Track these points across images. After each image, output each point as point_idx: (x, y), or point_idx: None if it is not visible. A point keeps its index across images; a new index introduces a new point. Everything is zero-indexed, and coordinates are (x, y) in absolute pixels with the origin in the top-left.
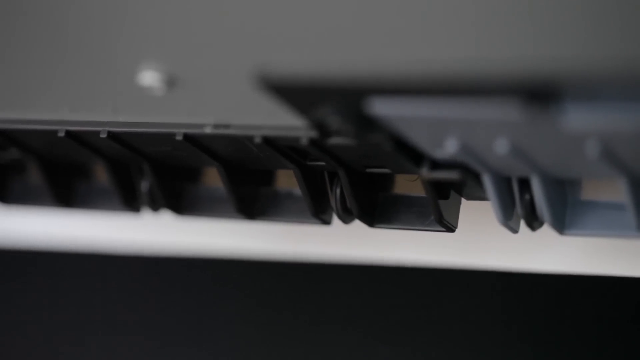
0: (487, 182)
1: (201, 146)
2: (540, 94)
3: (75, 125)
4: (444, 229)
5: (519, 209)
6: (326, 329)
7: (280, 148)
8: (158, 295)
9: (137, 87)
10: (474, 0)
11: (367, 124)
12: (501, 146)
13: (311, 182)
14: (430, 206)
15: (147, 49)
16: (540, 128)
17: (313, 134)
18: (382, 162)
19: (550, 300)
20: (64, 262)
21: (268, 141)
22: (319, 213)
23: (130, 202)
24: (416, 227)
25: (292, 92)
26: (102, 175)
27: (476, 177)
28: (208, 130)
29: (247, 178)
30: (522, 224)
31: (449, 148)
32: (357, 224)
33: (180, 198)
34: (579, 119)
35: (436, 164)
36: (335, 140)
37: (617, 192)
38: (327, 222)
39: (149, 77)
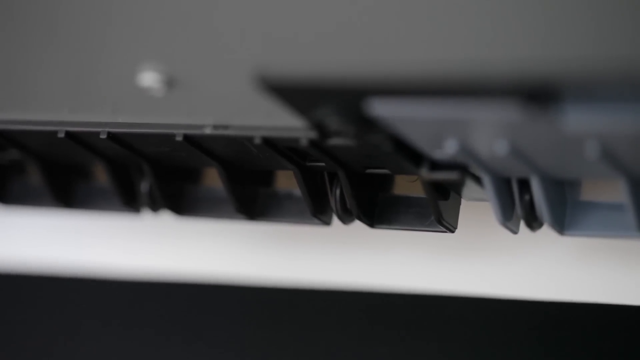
0: (487, 182)
1: (201, 147)
2: (539, 95)
3: (75, 126)
4: (443, 230)
5: (518, 209)
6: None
7: (280, 149)
8: (150, 320)
9: (136, 88)
10: (473, 1)
11: (367, 125)
12: (501, 147)
13: (311, 182)
14: (429, 207)
15: (147, 50)
16: (540, 129)
17: (313, 134)
18: (381, 162)
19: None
20: (53, 287)
21: (268, 142)
22: (319, 214)
23: (130, 202)
24: (416, 228)
25: (292, 93)
26: (102, 176)
27: (476, 178)
28: (208, 131)
29: (246, 179)
30: (522, 224)
31: (449, 149)
32: (357, 225)
33: (180, 199)
34: (578, 120)
35: (436, 165)
36: (335, 141)
37: (617, 192)
38: (326, 222)
39: (149, 78)
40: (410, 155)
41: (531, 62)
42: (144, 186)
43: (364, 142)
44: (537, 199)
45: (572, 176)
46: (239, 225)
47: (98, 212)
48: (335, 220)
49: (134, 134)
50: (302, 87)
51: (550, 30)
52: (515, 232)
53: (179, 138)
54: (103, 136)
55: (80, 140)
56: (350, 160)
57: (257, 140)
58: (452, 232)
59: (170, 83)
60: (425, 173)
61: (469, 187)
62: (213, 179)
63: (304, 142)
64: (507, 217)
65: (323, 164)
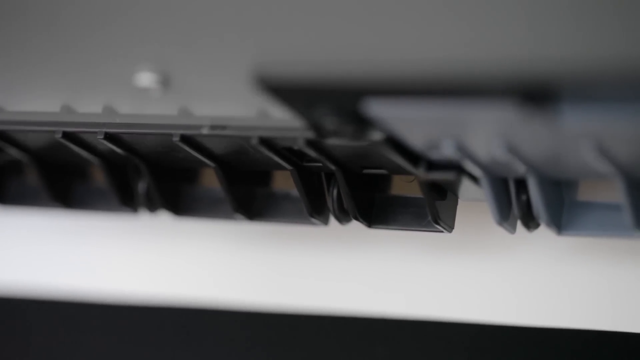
0: (484, 183)
1: (198, 147)
2: (536, 95)
3: (72, 126)
4: (440, 230)
5: (515, 209)
6: None
7: (277, 149)
8: (145, 346)
9: (133, 89)
10: (469, 1)
11: (364, 125)
12: (497, 147)
13: (308, 183)
14: (427, 207)
15: (144, 51)
16: (537, 129)
17: (310, 134)
18: (378, 163)
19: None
20: (47, 311)
21: (265, 142)
22: (316, 214)
23: (127, 202)
24: (413, 228)
25: (289, 93)
26: (99, 176)
27: (473, 178)
28: (205, 131)
29: (244, 179)
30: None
31: (445, 149)
32: (354, 225)
33: (177, 199)
34: (575, 120)
35: (433, 165)
36: (332, 141)
37: (614, 192)
38: (324, 223)
39: (146, 79)
40: (407, 156)
41: (528, 62)
42: (142, 186)
43: (361, 142)
44: (534, 199)
45: (568, 176)
46: (236, 225)
47: (96, 212)
48: (333, 220)
49: (131, 134)
50: (299, 87)
51: (546, 30)
52: (512, 232)
53: (176, 138)
54: (100, 136)
55: (77, 140)
56: (348, 160)
57: (254, 141)
58: (449, 232)
59: (167, 83)
60: (422, 173)
61: (466, 187)
62: (210, 179)
63: (301, 142)
64: (504, 217)
65: (320, 164)
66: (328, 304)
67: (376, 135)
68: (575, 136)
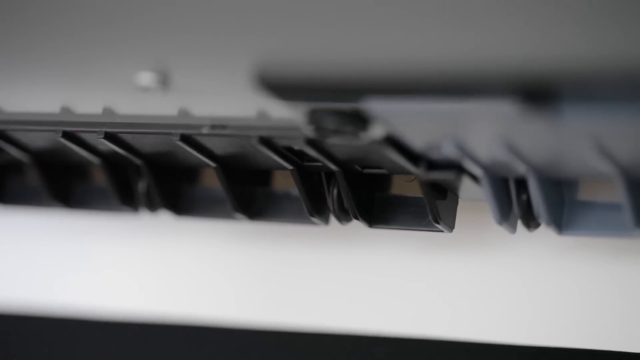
0: (484, 182)
1: (198, 147)
2: (536, 94)
3: (72, 126)
4: (441, 230)
5: (516, 209)
6: None
7: (277, 148)
8: None
9: (134, 88)
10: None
11: (364, 124)
12: (498, 146)
13: (308, 182)
14: (427, 206)
15: (144, 50)
16: (537, 128)
17: (310, 134)
18: (379, 162)
19: None
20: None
21: (265, 142)
22: (316, 213)
23: (128, 202)
24: (413, 228)
25: (290, 93)
26: (99, 175)
27: (473, 178)
28: (205, 130)
29: (244, 178)
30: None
31: (446, 148)
32: (354, 225)
33: (177, 198)
34: (575, 119)
35: (433, 165)
36: (332, 141)
37: (614, 192)
38: (324, 222)
39: (146, 78)
40: (408, 155)
41: (528, 61)
42: (142, 186)
43: (361, 141)
44: (535, 198)
45: (569, 175)
46: (236, 224)
47: (96, 212)
48: (333, 220)
49: (131, 134)
50: (299, 86)
51: (547, 29)
52: (512, 231)
53: (177, 138)
54: (100, 136)
55: (77, 140)
56: (348, 160)
57: (255, 140)
58: (450, 231)
59: (167, 83)
60: (422, 173)
61: (467, 187)
62: (211, 179)
63: (301, 142)
64: (505, 217)
65: (320, 163)
66: (328, 304)
67: (376, 135)
68: (576, 135)
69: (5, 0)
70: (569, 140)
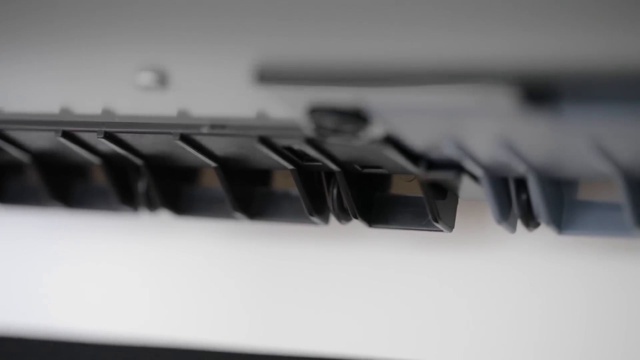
0: (484, 182)
1: (198, 146)
2: (536, 93)
3: (72, 125)
4: (440, 229)
5: (515, 209)
6: None
7: (277, 148)
8: None
9: (133, 88)
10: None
11: (364, 124)
12: (497, 146)
13: (308, 182)
14: (426, 206)
15: (144, 50)
16: (537, 127)
17: (310, 133)
18: (378, 162)
19: None
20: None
21: (264, 141)
22: (316, 213)
23: (127, 202)
24: (413, 227)
25: (289, 92)
26: (99, 175)
27: (473, 177)
28: (205, 130)
29: (244, 178)
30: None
31: (446, 148)
32: (354, 224)
33: (177, 198)
34: (575, 118)
35: (433, 164)
36: (332, 140)
37: (614, 192)
38: (324, 222)
39: (146, 78)
40: (407, 155)
41: (528, 61)
42: (142, 186)
43: (361, 141)
44: (534, 198)
45: (569, 175)
46: (236, 224)
47: (96, 212)
48: (333, 219)
49: (131, 134)
50: (299, 85)
51: (547, 28)
52: (512, 231)
53: (176, 138)
54: (100, 136)
55: (77, 140)
56: (347, 159)
57: (254, 140)
58: (449, 231)
59: (167, 82)
60: (422, 172)
61: (466, 187)
62: (210, 179)
63: (301, 142)
64: (504, 217)
65: (320, 163)
66: (327, 303)
67: (376, 134)
68: (576, 135)
69: (4, 1)
70: (568, 140)
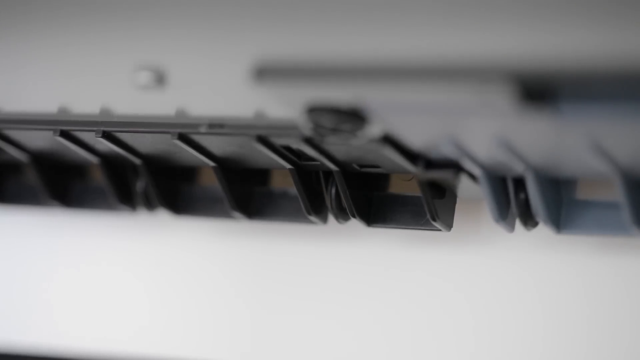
0: (482, 181)
1: (196, 146)
2: (534, 93)
3: (70, 125)
4: (439, 228)
5: (514, 208)
6: None
7: (275, 147)
8: None
9: (131, 87)
10: None
11: (362, 123)
12: (496, 145)
13: (306, 181)
14: (425, 205)
15: (142, 49)
16: (535, 126)
17: (308, 133)
18: (377, 161)
19: None
20: None
21: (263, 141)
22: (314, 213)
23: (126, 201)
24: (411, 227)
25: (287, 91)
26: (97, 174)
27: (471, 177)
28: (203, 129)
29: (242, 178)
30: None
31: (444, 147)
32: (352, 224)
33: (175, 197)
34: (573, 118)
35: (431, 164)
36: (330, 140)
37: (612, 191)
38: (322, 221)
39: (144, 77)
40: (406, 154)
41: (526, 59)
42: (140, 185)
43: (359, 140)
44: (533, 197)
45: (567, 174)
46: (234, 223)
47: (94, 211)
48: (331, 219)
49: (129, 133)
50: (297, 84)
51: (546, 26)
52: (511, 230)
53: (174, 137)
54: (98, 135)
55: (75, 139)
56: (346, 158)
57: (253, 139)
58: (448, 230)
59: (165, 82)
60: (420, 172)
61: (465, 186)
62: (209, 178)
63: (299, 141)
64: (503, 216)
65: (318, 162)
66: (326, 303)
67: (374, 134)
68: (574, 134)
69: (3, 0)
70: (567, 139)
